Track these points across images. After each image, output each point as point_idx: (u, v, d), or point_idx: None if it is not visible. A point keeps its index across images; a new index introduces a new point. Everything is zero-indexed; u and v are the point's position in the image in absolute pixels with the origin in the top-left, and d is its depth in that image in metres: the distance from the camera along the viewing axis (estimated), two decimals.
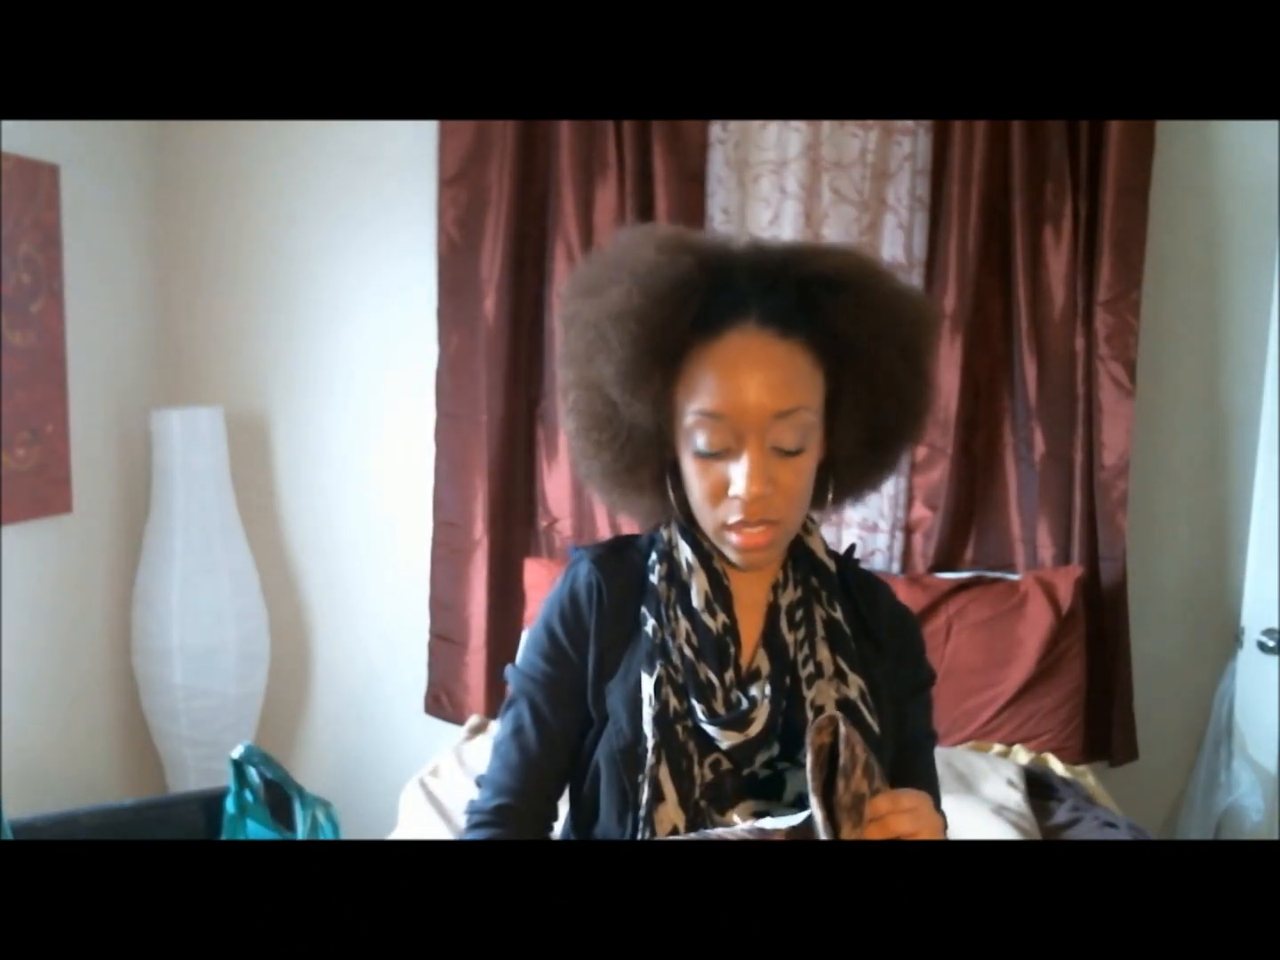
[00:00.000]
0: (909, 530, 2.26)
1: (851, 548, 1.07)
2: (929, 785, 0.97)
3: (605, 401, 0.94)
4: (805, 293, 0.92)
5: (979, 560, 2.27)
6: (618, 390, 0.92)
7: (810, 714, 0.92)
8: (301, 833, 1.75)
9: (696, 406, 0.90)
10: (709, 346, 0.90)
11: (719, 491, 0.90)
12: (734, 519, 0.90)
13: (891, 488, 2.22)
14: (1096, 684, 2.17)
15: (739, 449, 0.89)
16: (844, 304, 0.91)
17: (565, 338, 0.97)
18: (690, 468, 0.92)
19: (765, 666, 0.95)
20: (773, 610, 0.97)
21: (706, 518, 0.93)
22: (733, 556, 0.94)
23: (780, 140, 2.15)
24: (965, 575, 2.19)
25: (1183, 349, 2.20)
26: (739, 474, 0.89)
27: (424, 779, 2.03)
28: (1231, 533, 2.20)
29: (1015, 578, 2.18)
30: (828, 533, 2.17)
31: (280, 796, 1.86)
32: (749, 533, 0.90)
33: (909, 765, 0.98)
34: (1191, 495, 2.24)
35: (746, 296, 0.91)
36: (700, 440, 0.90)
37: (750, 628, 0.97)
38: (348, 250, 2.40)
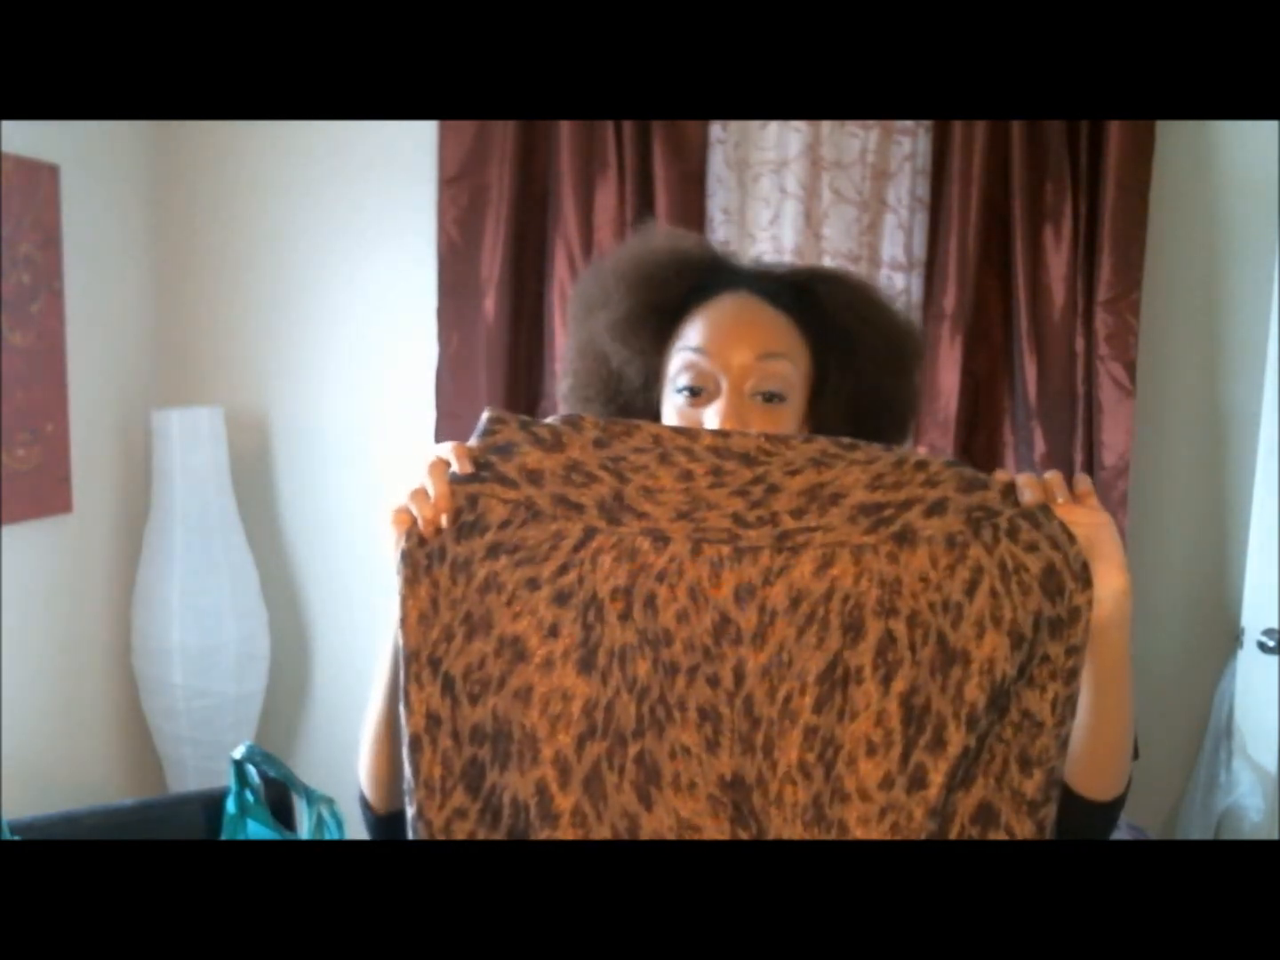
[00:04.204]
0: None
1: None
2: None
3: (598, 356, 1.00)
4: (799, 281, 0.99)
5: None
6: (608, 336, 0.98)
7: None
8: (306, 830, 1.75)
9: (681, 345, 0.95)
10: (702, 305, 0.96)
11: None
12: None
13: None
14: None
15: (717, 394, 0.92)
16: (836, 292, 0.98)
17: (568, 321, 1.06)
18: (671, 415, 0.95)
19: None
20: None
21: None
22: None
23: (780, 140, 2.15)
24: None
25: (1183, 349, 2.20)
26: (712, 413, 0.91)
27: None
28: (1231, 533, 2.20)
29: None
30: None
31: (281, 796, 1.86)
32: None
33: None
34: (1191, 495, 2.24)
35: (742, 273, 1.00)
36: (682, 379, 0.93)
37: None
38: (347, 249, 2.40)
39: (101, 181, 2.29)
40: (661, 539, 0.80)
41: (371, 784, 0.90)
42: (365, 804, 0.92)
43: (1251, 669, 2.02)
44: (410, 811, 0.79)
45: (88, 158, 2.23)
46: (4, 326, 2.00)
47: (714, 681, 0.78)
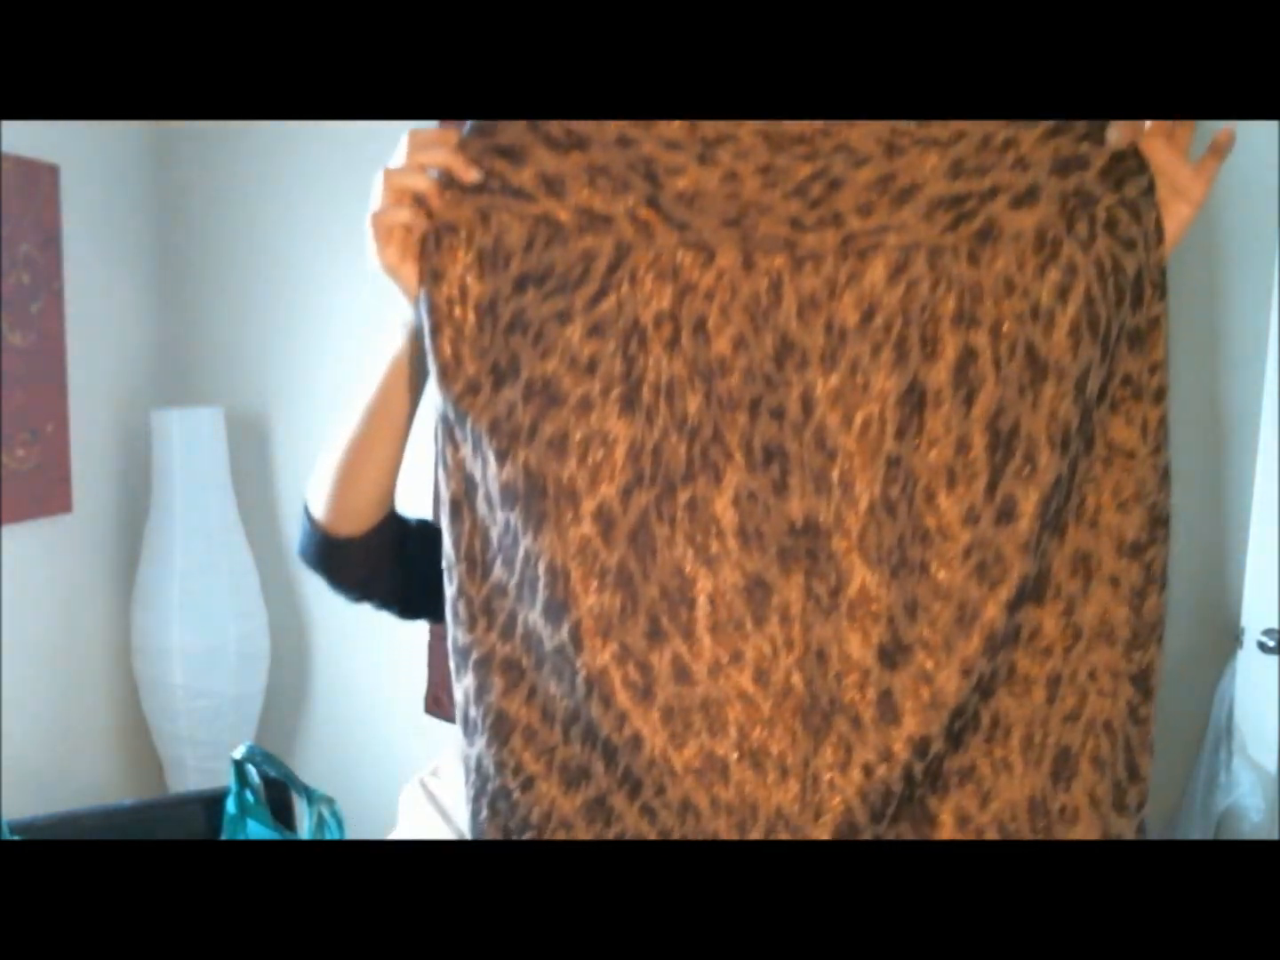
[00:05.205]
0: None
1: None
2: None
3: None
4: None
5: None
6: None
7: None
8: (307, 830, 1.75)
9: None
10: None
11: None
12: None
13: None
14: None
15: None
16: None
17: None
18: None
19: None
20: None
21: None
22: None
23: None
24: None
25: (1183, 349, 2.20)
26: None
27: (424, 779, 2.03)
28: (1231, 533, 2.20)
29: None
30: None
31: (281, 796, 1.86)
32: None
33: None
34: (1191, 495, 2.23)
35: None
36: None
37: None
38: (348, 249, 2.40)
39: (101, 181, 2.29)
40: (707, 252, 0.69)
41: (333, 505, 0.88)
42: (313, 523, 0.88)
43: (1251, 669, 2.02)
44: (450, 590, 0.72)
45: (88, 158, 2.23)
46: (4, 326, 2.00)
47: (778, 414, 0.68)
